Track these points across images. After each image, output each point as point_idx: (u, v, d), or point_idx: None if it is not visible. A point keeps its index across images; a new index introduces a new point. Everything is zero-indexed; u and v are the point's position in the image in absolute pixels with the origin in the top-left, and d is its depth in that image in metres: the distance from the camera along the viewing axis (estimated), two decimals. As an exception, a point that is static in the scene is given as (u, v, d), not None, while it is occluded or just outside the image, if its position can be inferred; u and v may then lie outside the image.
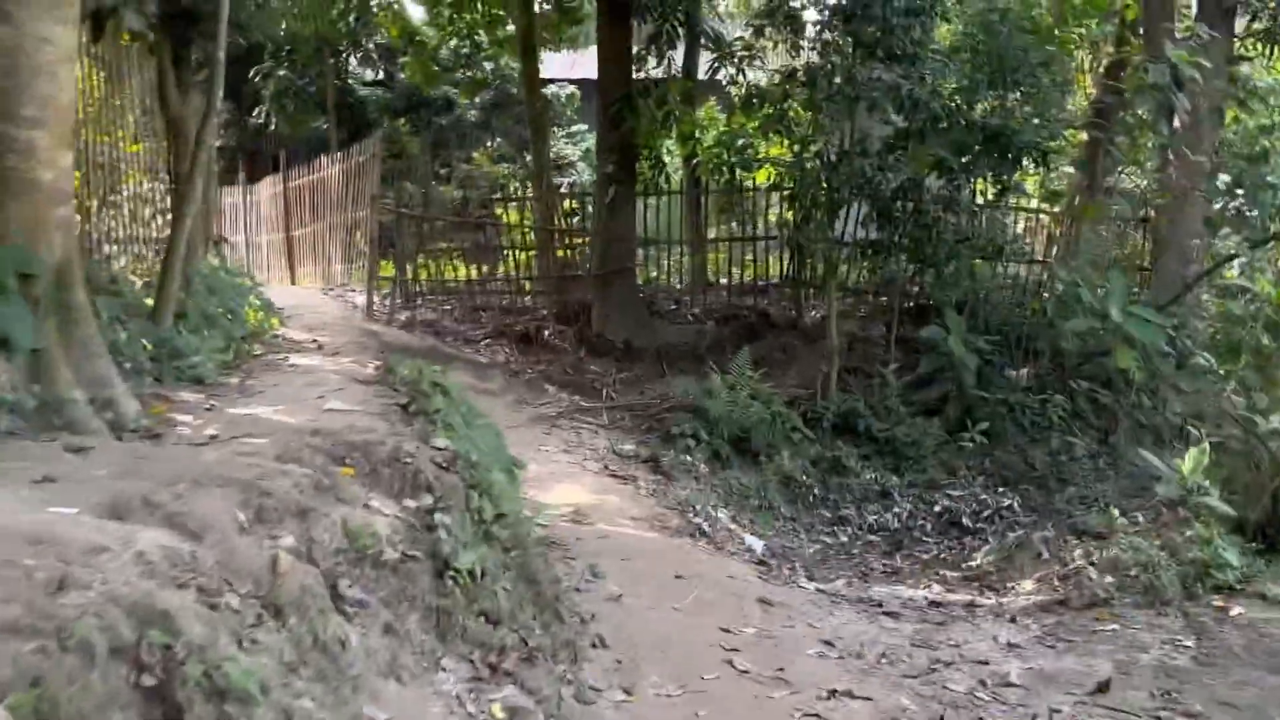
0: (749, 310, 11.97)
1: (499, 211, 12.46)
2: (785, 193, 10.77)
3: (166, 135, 7.20)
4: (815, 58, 9.40)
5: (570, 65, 22.38)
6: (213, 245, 9.02)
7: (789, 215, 11.14)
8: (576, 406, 9.53)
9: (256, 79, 17.72)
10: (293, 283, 13.97)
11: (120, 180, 7.98)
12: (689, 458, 8.45)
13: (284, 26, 16.21)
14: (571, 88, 20.71)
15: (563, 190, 12.74)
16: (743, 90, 10.28)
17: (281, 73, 17.51)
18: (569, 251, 11.53)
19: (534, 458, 7.66)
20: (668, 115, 10.74)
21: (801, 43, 9.83)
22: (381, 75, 20.02)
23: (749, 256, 12.55)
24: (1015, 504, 8.51)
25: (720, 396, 8.93)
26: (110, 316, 4.97)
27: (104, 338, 4.21)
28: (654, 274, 12.45)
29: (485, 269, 11.51)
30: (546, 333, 11.00)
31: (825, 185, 9.16)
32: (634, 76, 11.11)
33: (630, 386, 10.38)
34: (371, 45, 18.49)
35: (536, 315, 11.36)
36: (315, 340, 8.61)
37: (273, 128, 17.65)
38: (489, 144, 19.45)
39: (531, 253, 11.69)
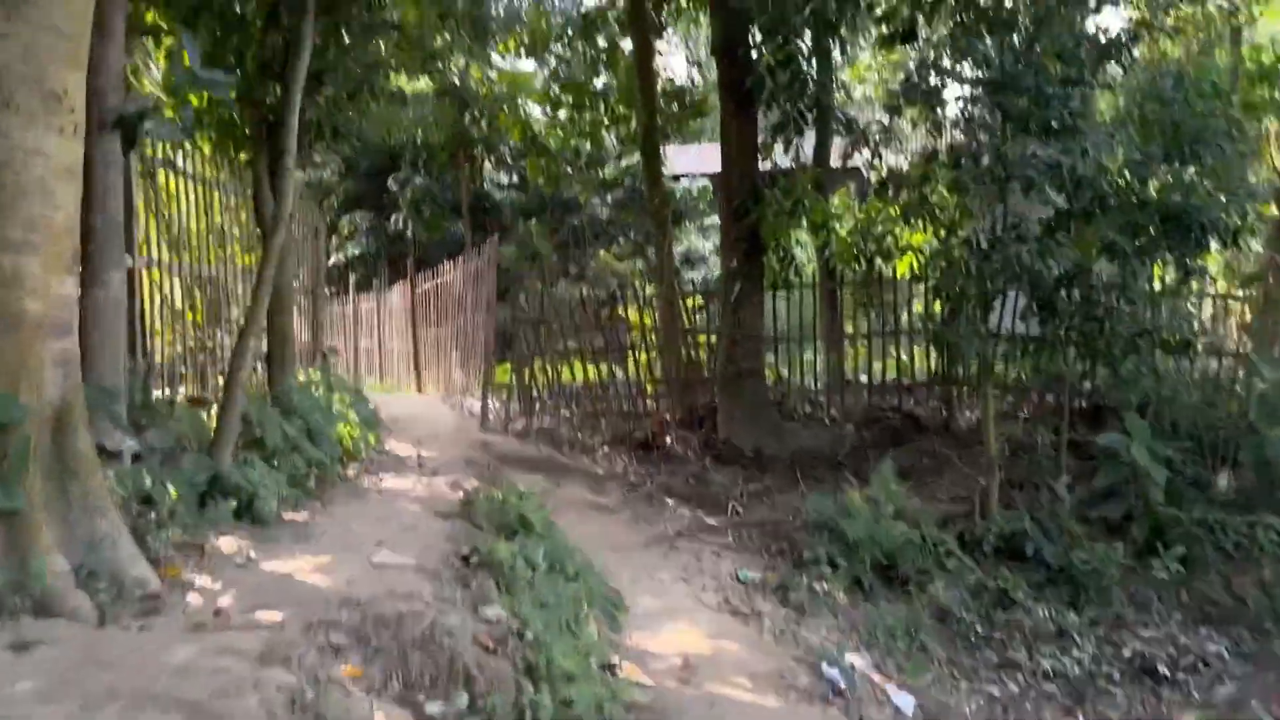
0: (893, 412, 10.88)
1: (620, 310, 11.92)
2: (930, 284, 9.77)
3: (264, 247, 6.95)
4: (959, 136, 8.50)
5: (701, 158, 22.14)
6: (320, 357, 8.78)
7: (935, 308, 10.13)
8: (699, 524, 8.66)
9: (394, 187, 18.14)
10: (419, 389, 13.80)
11: (230, 296, 7.80)
12: (824, 586, 7.39)
13: (419, 135, 16.58)
14: (703, 180, 20.36)
15: (688, 287, 12.10)
16: (880, 175, 9.47)
17: (418, 180, 17.86)
18: (693, 351, 10.80)
19: (646, 588, 6.84)
20: (796, 205, 9.98)
21: (943, 121, 8.97)
22: (516, 178, 20.27)
23: (891, 353, 11.51)
24: (1224, 649, 7.01)
25: (861, 514, 7.89)
26: (162, 448, 4.53)
27: (130, 485, 3.71)
28: (785, 374, 11.55)
29: (606, 371, 10.91)
30: (669, 439, 10.23)
31: (976, 275, 8.13)
32: (759, 166, 10.47)
33: (759, 500, 9.44)
34: (505, 149, 18.71)
35: (659, 420, 10.62)
36: (419, 455, 8.14)
37: (409, 233, 17.94)
38: (620, 240, 19.24)
39: (654, 353, 11.02)
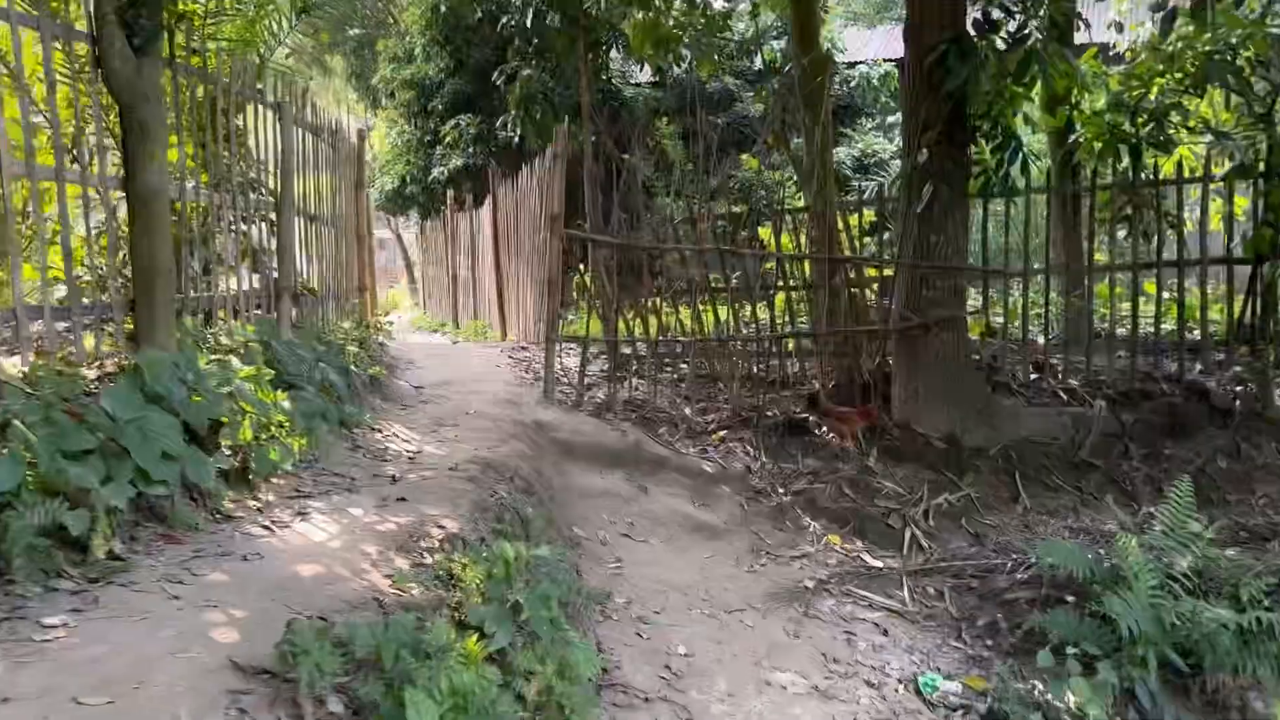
0: (1169, 384, 7.43)
1: (760, 233, 8.82)
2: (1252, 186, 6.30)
3: (110, 122, 4.36)
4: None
5: (890, 44, 18.45)
6: (289, 299, 6.23)
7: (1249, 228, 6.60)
8: (856, 567, 5.69)
9: (500, 81, 15.45)
10: (503, 335, 11.22)
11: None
12: (1070, 704, 4.35)
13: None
14: (888, 65, 16.69)
15: (854, 198, 8.87)
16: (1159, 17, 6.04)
17: (527, 72, 15.07)
18: (858, 291, 7.63)
19: (755, 703, 4.02)
20: (1025, 65, 6.58)
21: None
22: (654, 73, 17.18)
23: (1167, 294, 7.98)
24: None
25: (1140, 574, 4.82)
26: None
27: None
28: (999, 324, 8.20)
29: (729, 318, 7.86)
30: (816, 422, 7.21)
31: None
32: (968, 8, 7.11)
33: (954, 523, 6.37)
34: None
35: (802, 391, 7.56)
36: (417, 453, 5.49)
37: (517, 139, 15.24)
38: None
39: (798, 293, 7.90)
